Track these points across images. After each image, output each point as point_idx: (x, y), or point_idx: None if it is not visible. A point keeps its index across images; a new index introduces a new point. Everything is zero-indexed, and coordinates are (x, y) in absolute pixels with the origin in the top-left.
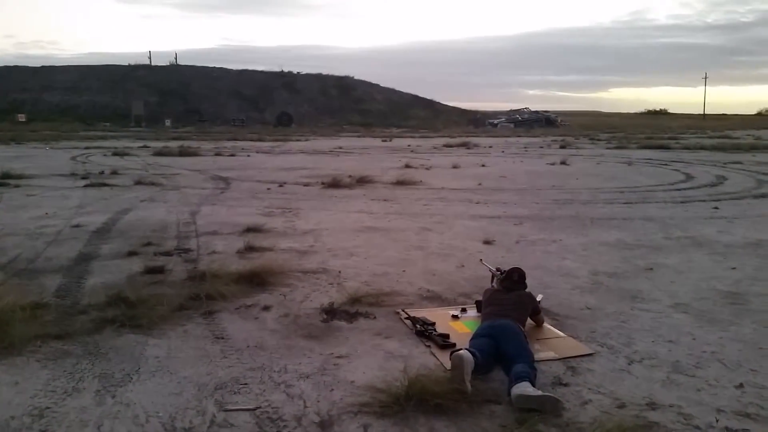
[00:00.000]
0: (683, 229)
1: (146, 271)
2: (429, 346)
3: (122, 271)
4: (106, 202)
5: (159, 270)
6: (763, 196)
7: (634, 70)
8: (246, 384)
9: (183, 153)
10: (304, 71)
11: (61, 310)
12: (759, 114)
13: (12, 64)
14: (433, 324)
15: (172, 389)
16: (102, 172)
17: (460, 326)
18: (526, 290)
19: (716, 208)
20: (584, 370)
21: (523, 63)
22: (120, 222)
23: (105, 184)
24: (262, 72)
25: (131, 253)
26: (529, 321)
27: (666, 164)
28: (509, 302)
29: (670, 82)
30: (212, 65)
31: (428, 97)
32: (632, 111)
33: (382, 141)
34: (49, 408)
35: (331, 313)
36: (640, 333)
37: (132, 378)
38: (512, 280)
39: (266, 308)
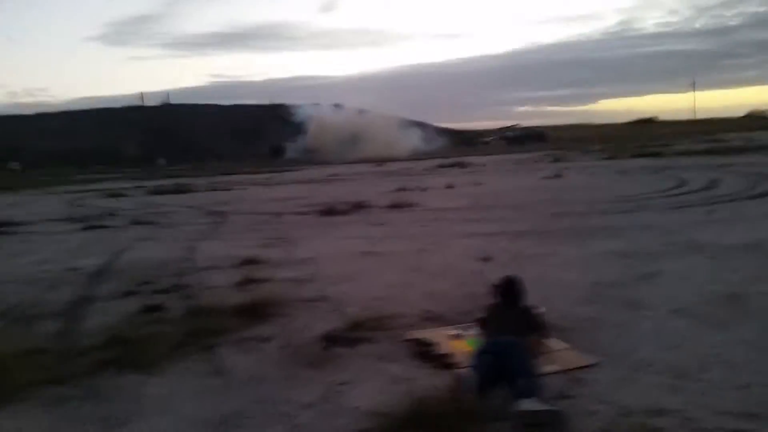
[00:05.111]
0: (680, 234)
1: (144, 310)
2: (432, 367)
3: (120, 311)
4: (103, 244)
5: (157, 308)
6: (757, 196)
7: (624, 80)
8: (249, 417)
9: (178, 190)
10: (294, 102)
11: (61, 354)
12: (748, 116)
13: (3, 114)
14: (435, 344)
15: (176, 427)
16: (98, 215)
17: (463, 345)
18: (528, 304)
19: (712, 211)
20: (589, 380)
21: (511, 80)
22: (117, 263)
23: (101, 226)
24: (253, 106)
25: (129, 293)
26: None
27: (659, 171)
28: (512, 318)
29: (660, 89)
30: (204, 102)
31: (419, 120)
32: (623, 121)
33: (376, 166)
34: None
35: (332, 340)
36: (643, 340)
37: (135, 419)
38: (511, 294)
39: (266, 339)
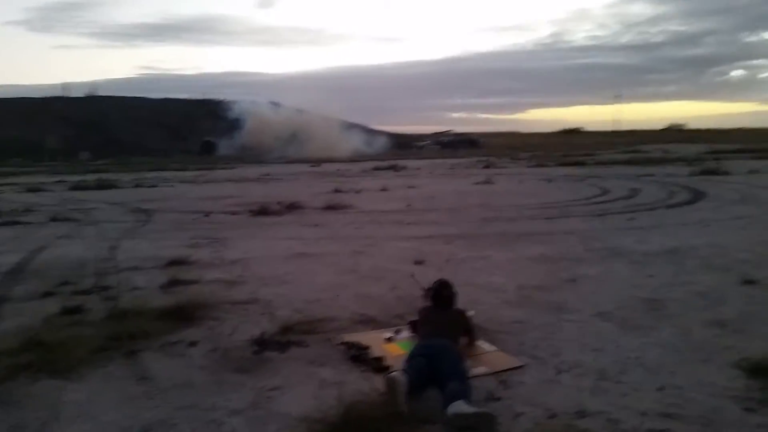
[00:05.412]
0: (602, 240)
1: (63, 312)
2: (364, 371)
3: (37, 313)
4: (19, 241)
5: (77, 310)
6: (674, 206)
7: (553, 90)
8: (174, 425)
9: (101, 186)
10: (228, 98)
11: None
12: (667, 129)
13: None
14: (367, 348)
15: None
16: (14, 210)
17: (395, 348)
18: (458, 307)
19: (632, 219)
20: (515, 383)
21: (446, 87)
22: (34, 261)
23: (17, 222)
24: (184, 100)
25: (47, 294)
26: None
27: (583, 180)
28: (443, 321)
29: (586, 101)
30: (133, 95)
31: (356, 122)
32: (550, 130)
33: (311, 166)
34: None
35: (262, 344)
36: (567, 343)
37: (49, 427)
38: (442, 297)
39: (193, 344)
